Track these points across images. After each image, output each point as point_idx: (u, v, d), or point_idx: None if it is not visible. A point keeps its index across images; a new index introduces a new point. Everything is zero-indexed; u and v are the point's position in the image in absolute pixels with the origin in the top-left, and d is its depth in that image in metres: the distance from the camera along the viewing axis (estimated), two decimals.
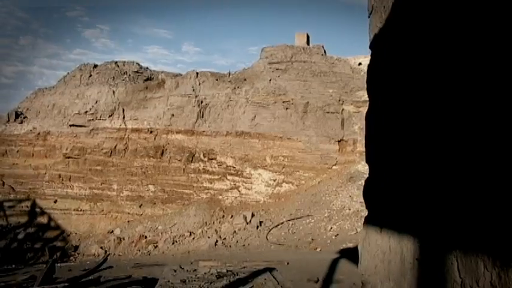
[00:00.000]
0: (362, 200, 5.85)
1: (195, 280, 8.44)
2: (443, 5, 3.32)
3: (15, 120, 38.19)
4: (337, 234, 22.33)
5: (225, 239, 25.49)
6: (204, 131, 33.77)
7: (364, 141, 5.73)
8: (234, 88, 34.72)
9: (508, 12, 2.50)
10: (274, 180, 31.79)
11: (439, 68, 3.38)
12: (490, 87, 2.68)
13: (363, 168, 26.55)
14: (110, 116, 35.92)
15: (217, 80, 35.80)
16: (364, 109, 5.62)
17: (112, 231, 31.24)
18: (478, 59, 2.80)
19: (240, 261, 13.68)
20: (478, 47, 2.81)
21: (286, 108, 33.10)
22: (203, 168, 33.19)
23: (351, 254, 11.18)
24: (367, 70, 5.42)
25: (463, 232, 2.93)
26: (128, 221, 32.25)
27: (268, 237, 24.18)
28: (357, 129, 31.17)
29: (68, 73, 42.05)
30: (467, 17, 2.94)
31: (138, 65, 43.56)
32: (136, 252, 26.80)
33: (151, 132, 34.67)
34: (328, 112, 32.56)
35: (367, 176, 5.49)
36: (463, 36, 3.00)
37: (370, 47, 5.32)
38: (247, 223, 27.03)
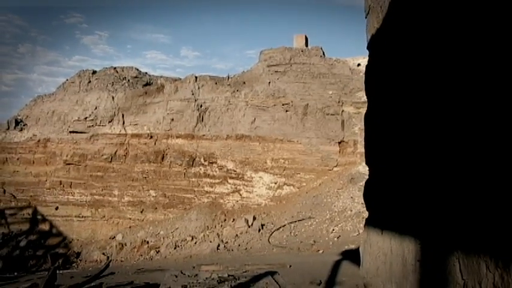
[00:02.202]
0: (363, 201, 5.82)
1: (196, 285, 8.41)
2: (440, 3, 3.29)
3: (15, 128, 38.19)
4: (339, 236, 22.28)
5: (227, 242, 25.43)
6: (204, 135, 33.73)
7: (364, 142, 5.70)
8: (234, 91, 34.69)
9: (508, 11, 2.47)
10: (275, 183, 31.75)
11: (437, 67, 3.34)
12: (489, 86, 2.65)
13: (364, 169, 26.50)
14: (109, 122, 35.92)
15: (216, 83, 35.77)
16: (364, 110, 5.58)
17: (114, 237, 31.20)
18: (477, 57, 2.77)
19: (242, 265, 13.66)
20: (478, 46, 2.78)
21: (286, 111, 33.06)
22: (204, 172, 33.15)
23: (353, 256, 11.15)
24: (365, 71, 5.40)
25: (464, 233, 2.90)
26: (130, 227, 32.22)
27: (270, 240, 24.14)
28: (357, 130, 31.13)
29: (67, 80, 42.06)
30: (466, 15, 2.91)
31: (137, 70, 43.57)
32: (138, 258, 26.75)
33: (151, 137, 34.64)
34: (328, 114, 32.53)
35: (368, 177, 5.46)
36: (461, 35, 2.97)
37: (368, 48, 5.29)
38: (249, 226, 26.99)
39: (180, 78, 39.27)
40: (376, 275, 4.91)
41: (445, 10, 3.19)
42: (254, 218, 27.85)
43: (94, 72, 41.80)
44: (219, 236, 26.70)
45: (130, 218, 32.98)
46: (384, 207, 4.72)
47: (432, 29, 3.44)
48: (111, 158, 34.54)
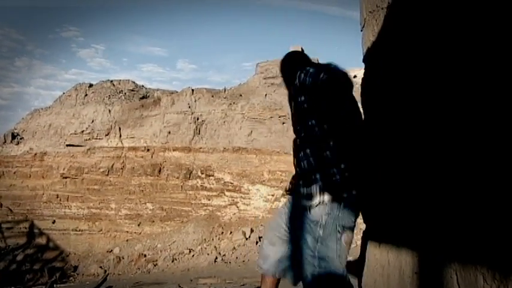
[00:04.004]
0: (361, 213, 5.81)
1: None
2: (436, 17, 3.32)
3: (11, 141, 38.24)
4: None
5: (224, 255, 25.39)
6: (201, 148, 33.74)
7: None
8: (230, 104, 34.76)
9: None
10: (273, 195, 31.71)
11: (433, 80, 3.37)
12: (489, 97, 2.67)
13: None
14: (106, 135, 35.96)
15: (213, 96, 35.85)
16: None
17: (111, 251, 31.13)
18: (473, 70, 2.79)
19: (240, 278, 13.63)
20: (472, 60, 2.80)
21: (283, 123, 33.11)
22: (201, 185, 33.12)
23: (351, 268, 11.11)
24: (361, 83, 5.41)
25: (461, 245, 2.91)
26: (127, 240, 32.14)
27: None
28: None
29: (64, 93, 42.15)
30: (460, 33, 2.93)
31: (134, 83, 43.66)
32: (135, 271, 26.68)
33: (148, 150, 34.63)
34: None
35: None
36: (454, 50, 2.99)
37: (364, 61, 5.31)
38: (247, 239, 26.94)
39: (177, 91, 39.34)
40: (373, 287, 4.91)
41: (440, 24, 3.21)
42: (252, 231, 27.80)
43: (90, 85, 41.91)
44: (216, 249, 26.66)
45: (127, 231, 32.90)
46: (381, 219, 4.73)
47: (427, 42, 3.47)
48: (108, 171, 34.51)
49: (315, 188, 3.74)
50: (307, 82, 3.83)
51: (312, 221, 3.69)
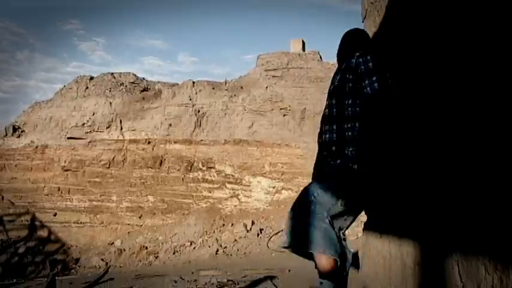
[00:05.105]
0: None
1: None
2: (437, 9, 3.30)
3: (12, 134, 38.09)
4: None
5: (225, 247, 25.40)
6: (202, 140, 33.67)
7: None
8: (231, 96, 34.63)
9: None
10: (274, 188, 31.68)
11: (434, 70, 3.36)
12: (491, 84, 2.66)
13: None
14: (107, 128, 35.82)
15: (213, 88, 35.71)
16: None
17: (112, 243, 31.13)
18: (473, 65, 2.78)
19: (241, 270, 13.63)
20: (473, 54, 2.79)
21: (284, 115, 33.01)
22: (202, 177, 33.08)
23: (352, 260, 11.10)
24: None
25: (463, 236, 2.90)
26: (128, 232, 32.15)
27: (268, 245, 24.09)
28: None
29: (65, 86, 41.91)
30: (462, 27, 2.92)
31: (135, 75, 43.39)
32: (137, 263, 26.70)
33: (149, 142, 34.56)
34: None
35: None
36: (457, 44, 2.98)
37: None
38: (248, 231, 26.95)
39: (178, 84, 39.17)
40: (375, 278, 4.92)
41: (441, 16, 3.20)
42: (253, 223, 27.82)
43: (91, 78, 41.64)
44: (217, 241, 26.67)
45: (128, 224, 32.90)
46: (382, 211, 4.72)
47: (429, 33, 3.45)
48: (109, 164, 34.47)
49: (332, 155, 4.03)
50: (362, 69, 3.93)
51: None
